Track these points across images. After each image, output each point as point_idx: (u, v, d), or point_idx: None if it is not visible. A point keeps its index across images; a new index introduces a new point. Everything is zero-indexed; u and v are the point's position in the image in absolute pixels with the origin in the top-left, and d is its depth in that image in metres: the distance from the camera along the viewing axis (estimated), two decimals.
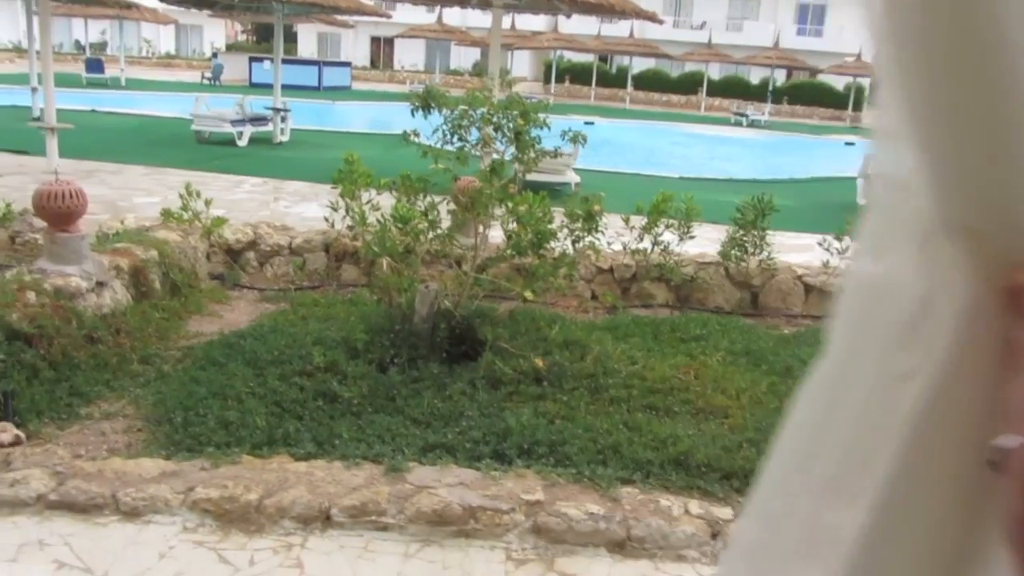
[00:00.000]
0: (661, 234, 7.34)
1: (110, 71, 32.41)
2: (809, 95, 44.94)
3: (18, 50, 38.52)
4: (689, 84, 45.80)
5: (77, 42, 46.98)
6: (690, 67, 45.88)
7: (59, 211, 5.36)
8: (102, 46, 46.32)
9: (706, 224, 8.81)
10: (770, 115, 37.54)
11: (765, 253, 7.44)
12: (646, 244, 7.37)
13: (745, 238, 7.41)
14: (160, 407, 4.50)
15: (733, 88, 45.61)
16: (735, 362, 5.73)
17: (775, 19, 50.99)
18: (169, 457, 3.87)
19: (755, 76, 46.40)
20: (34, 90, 17.10)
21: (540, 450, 4.15)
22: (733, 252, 7.39)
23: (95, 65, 32.11)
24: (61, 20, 41.52)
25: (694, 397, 5.02)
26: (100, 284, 5.55)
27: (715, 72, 45.27)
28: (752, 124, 34.40)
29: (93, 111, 20.41)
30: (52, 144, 11.53)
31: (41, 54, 12.17)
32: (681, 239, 7.38)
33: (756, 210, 7.34)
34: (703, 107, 41.81)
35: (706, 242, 8.35)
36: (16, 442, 4.03)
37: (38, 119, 13.19)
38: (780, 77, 45.91)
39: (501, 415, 4.49)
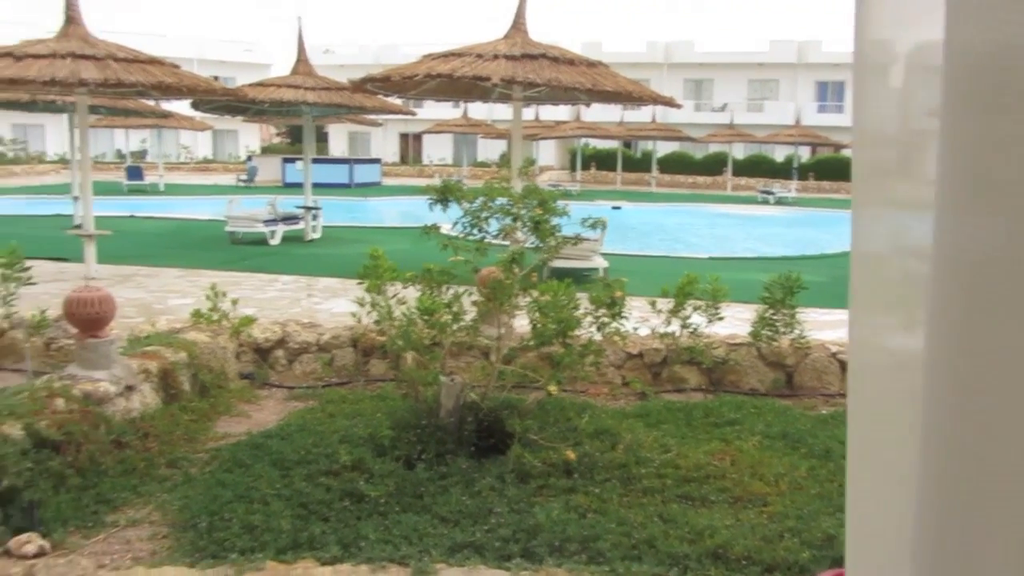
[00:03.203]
0: (689, 316, 7.26)
1: (150, 177, 33.52)
2: (835, 170, 45.07)
3: (63, 161, 40.15)
4: (714, 165, 46.24)
5: (119, 151, 48.85)
6: (714, 148, 46.41)
7: (88, 317, 5.44)
8: (142, 154, 48.07)
9: (737, 304, 8.73)
10: (797, 191, 37.64)
11: (797, 331, 7.31)
12: (675, 327, 7.29)
13: (775, 317, 7.31)
14: (185, 512, 4.44)
15: (758, 167, 45.97)
16: (772, 446, 5.56)
17: (795, 98, 51.72)
18: (193, 565, 3.80)
19: (779, 154, 46.80)
20: (75, 199, 17.73)
21: (571, 547, 4.01)
22: (764, 332, 7.28)
23: (135, 172, 33.25)
24: (104, 131, 43.40)
25: (730, 485, 4.86)
26: (129, 388, 5.59)
27: (739, 152, 45.70)
28: (779, 201, 34.48)
29: (132, 216, 21.00)
30: (90, 251, 11.83)
31: (80, 164, 12.65)
32: (710, 320, 7.30)
33: (784, 288, 7.26)
34: (729, 187, 42.06)
35: (738, 322, 8.25)
36: (40, 553, 3.99)
37: (77, 227, 13.60)
38: (804, 154, 46.24)
39: (531, 511, 4.37)
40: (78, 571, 3.70)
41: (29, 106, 19.78)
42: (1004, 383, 0.67)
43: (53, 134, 47.63)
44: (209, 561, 3.85)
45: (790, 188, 37.37)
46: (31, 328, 7.09)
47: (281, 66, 42.37)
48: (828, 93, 53.01)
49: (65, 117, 21.10)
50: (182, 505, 4.54)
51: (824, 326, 8.84)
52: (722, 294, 7.34)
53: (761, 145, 44.79)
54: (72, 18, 11.37)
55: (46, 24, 14.23)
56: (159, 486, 4.85)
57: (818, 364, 7.32)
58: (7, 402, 4.79)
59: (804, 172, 43.65)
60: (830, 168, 45.33)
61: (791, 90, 52.93)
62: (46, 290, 9.08)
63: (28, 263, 7.28)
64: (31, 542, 4.03)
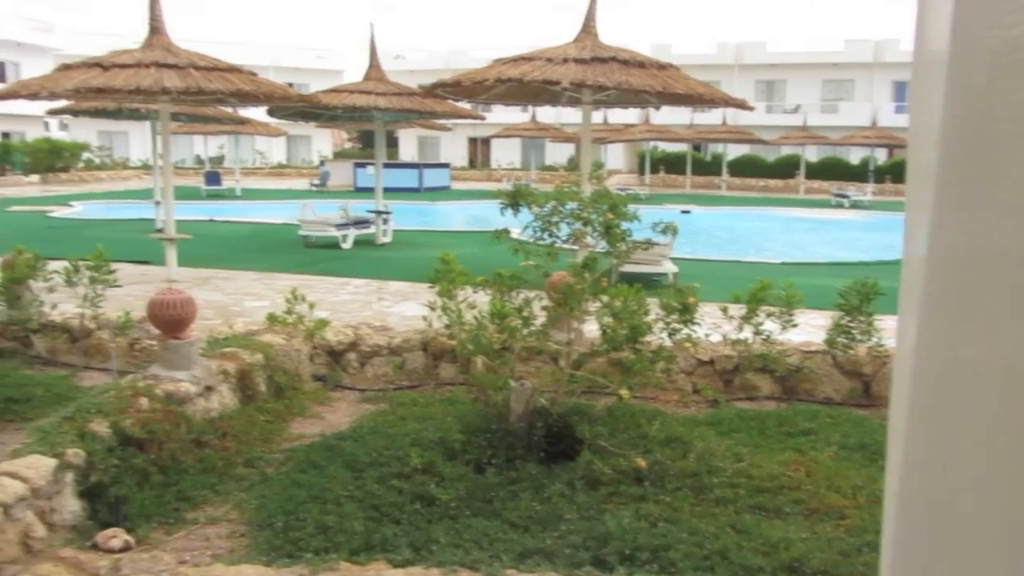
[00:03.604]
0: (762, 323, 7.12)
1: (227, 182, 34.52)
2: None
3: (146, 167, 41.67)
4: (786, 168, 45.35)
5: (198, 156, 50.39)
6: (786, 151, 45.49)
7: (170, 319, 5.62)
8: (220, 159, 49.50)
9: (811, 310, 8.54)
10: (873, 195, 36.63)
11: (874, 339, 7.11)
12: (747, 334, 7.16)
13: (851, 324, 7.12)
14: (262, 511, 4.55)
15: (832, 170, 44.91)
16: (849, 457, 5.41)
17: (871, 98, 50.35)
18: (269, 564, 3.88)
19: (854, 156, 45.65)
20: (157, 203, 18.37)
21: (643, 556, 3.97)
22: (839, 339, 7.09)
23: (213, 177, 34.27)
24: (184, 138, 44.84)
25: (806, 496, 4.75)
26: (208, 388, 5.75)
27: (812, 154, 44.70)
28: (855, 205, 33.62)
29: (211, 220, 21.65)
30: (171, 254, 12.24)
31: (162, 170, 13.09)
32: (783, 327, 7.15)
33: (860, 294, 7.07)
34: (802, 190, 41.17)
35: (812, 329, 8.07)
36: (126, 548, 4.13)
37: (159, 231, 14.08)
38: (881, 156, 44.95)
39: (601, 518, 4.34)
40: (161, 566, 3.82)
41: (115, 114, 20.59)
42: (991, 382, 0.67)
43: (137, 141, 49.43)
44: (285, 560, 3.93)
45: (866, 191, 36.39)
46: (116, 329, 7.37)
47: (353, 72, 43.13)
48: (906, 93, 51.42)
49: (148, 124, 21.88)
50: (259, 504, 4.65)
51: None
52: (796, 300, 7.19)
53: (835, 147, 43.73)
54: (156, 28, 11.78)
55: (133, 34, 14.78)
56: (237, 485, 4.98)
57: None
58: (95, 401, 4.98)
59: (881, 175, 42.44)
60: None
61: (867, 90, 51.58)
62: (130, 292, 9.43)
63: (113, 266, 7.56)
64: (117, 536, 4.18)
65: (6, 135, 43.49)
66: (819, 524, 4.45)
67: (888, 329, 7.59)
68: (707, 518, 4.42)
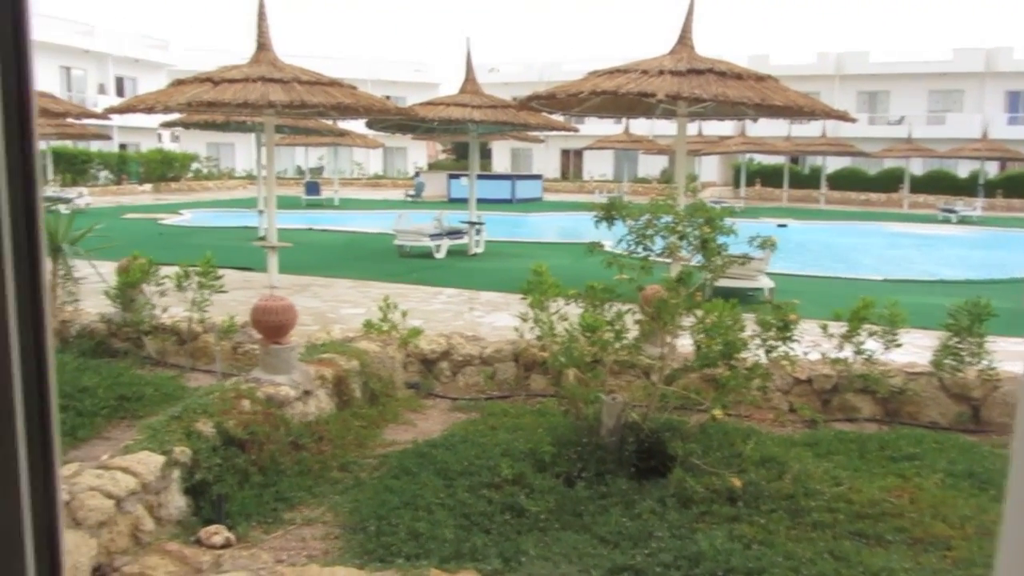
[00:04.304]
0: (863, 342, 6.88)
1: (326, 192, 35.55)
2: None
3: (250, 177, 43.32)
4: (889, 181, 43.78)
5: (299, 167, 52.06)
6: (889, 164, 43.91)
7: (272, 324, 5.82)
8: (319, 170, 50.99)
9: (915, 330, 8.21)
10: (983, 210, 34.97)
11: (985, 362, 6.78)
12: (847, 353, 6.93)
13: (960, 345, 6.81)
14: (355, 515, 4.65)
15: (938, 183, 43.09)
16: (956, 485, 5.17)
17: (982, 109, 48.12)
18: (362, 567, 3.96)
19: (963, 170, 43.70)
20: (260, 212, 19.06)
21: None
22: (947, 361, 6.79)
23: (312, 187, 35.34)
24: (286, 149, 46.42)
25: (909, 524, 4.56)
26: (306, 393, 5.92)
27: (917, 168, 43.00)
28: (963, 220, 32.15)
29: (310, 229, 22.30)
30: (273, 261, 12.66)
31: (266, 180, 13.58)
32: (886, 347, 6.89)
33: (971, 315, 6.75)
34: (906, 204, 39.64)
35: (916, 349, 7.76)
36: (226, 544, 4.29)
37: (261, 239, 14.59)
38: (991, 169, 42.87)
39: (693, 537, 4.27)
40: (259, 564, 3.95)
41: (222, 126, 21.48)
42: None
43: (242, 152, 51.44)
44: (377, 564, 4.00)
45: (975, 206, 34.76)
46: (221, 332, 7.66)
47: (449, 85, 43.84)
48: (1021, 103, 49.00)
49: (253, 136, 22.73)
50: (352, 508, 4.76)
51: (1016, 357, 8.15)
52: (900, 319, 6.92)
53: (942, 160, 41.97)
54: (263, 44, 12.25)
55: (242, 50, 15.42)
56: (332, 488, 5.11)
57: (1010, 398, 6.75)
58: (201, 401, 5.19)
59: (991, 189, 40.49)
60: (1022, 185, 41.79)
61: (977, 101, 49.33)
62: (234, 297, 9.78)
63: (218, 272, 7.86)
64: (218, 533, 4.34)
65: (123, 147, 45.89)
66: (923, 554, 4.26)
67: (1000, 351, 7.22)
68: (803, 542, 4.29)
